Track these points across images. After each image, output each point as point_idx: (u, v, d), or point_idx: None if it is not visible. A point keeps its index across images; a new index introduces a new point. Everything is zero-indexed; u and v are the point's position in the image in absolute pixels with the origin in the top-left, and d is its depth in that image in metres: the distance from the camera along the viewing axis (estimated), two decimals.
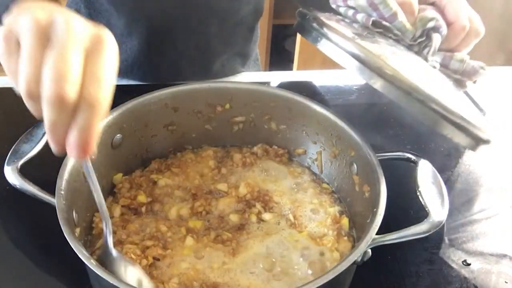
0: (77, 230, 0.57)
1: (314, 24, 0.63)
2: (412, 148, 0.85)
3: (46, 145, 0.63)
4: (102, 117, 0.40)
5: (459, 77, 0.69)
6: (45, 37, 0.40)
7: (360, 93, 0.98)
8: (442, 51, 0.68)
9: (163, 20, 0.92)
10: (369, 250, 0.54)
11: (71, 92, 0.38)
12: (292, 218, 0.65)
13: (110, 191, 0.69)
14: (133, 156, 0.72)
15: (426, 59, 0.67)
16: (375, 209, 0.55)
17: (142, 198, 0.67)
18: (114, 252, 0.53)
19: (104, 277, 0.47)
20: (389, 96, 0.58)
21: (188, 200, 0.68)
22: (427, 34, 0.66)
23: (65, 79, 0.38)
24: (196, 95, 0.74)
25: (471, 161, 0.85)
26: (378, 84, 0.58)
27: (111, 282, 0.46)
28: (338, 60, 0.61)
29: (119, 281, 0.47)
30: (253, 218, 0.65)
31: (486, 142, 0.60)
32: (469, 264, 0.66)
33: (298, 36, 2.07)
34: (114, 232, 0.61)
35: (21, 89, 0.39)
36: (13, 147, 0.65)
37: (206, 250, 0.60)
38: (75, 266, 0.52)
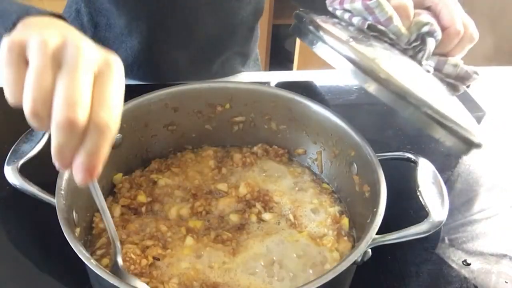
0: (77, 230, 0.57)
1: (311, 27, 0.64)
2: (412, 148, 0.85)
3: (46, 145, 0.63)
4: (111, 141, 0.40)
5: (453, 81, 0.70)
6: (54, 60, 0.40)
7: (360, 93, 0.98)
8: (436, 55, 0.68)
9: (163, 20, 0.92)
10: (369, 250, 0.54)
11: (82, 116, 0.39)
12: (292, 218, 0.65)
13: (110, 191, 0.69)
14: (133, 156, 0.73)
15: (420, 63, 0.67)
16: (375, 209, 0.55)
17: (142, 198, 0.67)
18: (123, 271, 0.53)
19: (104, 277, 0.47)
20: (382, 99, 0.58)
21: (188, 200, 0.68)
22: (421, 38, 0.67)
23: (76, 104, 0.38)
24: (196, 95, 0.74)
25: (471, 161, 0.85)
26: (372, 87, 0.58)
27: (111, 282, 0.46)
28: (333, 63, 0.61)
29: (119, 281, 0.47)
30: (253, 218, 0.65)
31: (477, 146, 0.60)
32: (469, 264, 0.66)
33: None
34: None
35: (26, 108, 0.39)
36: (13, 147, 0.65)
37: (206, 250, 0.60)
38: (75, 266, 0.52)
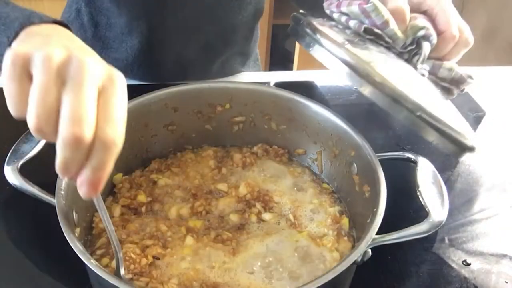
0: (77, 230, 0.57)
1: (308, 30, 0.65)
2: (412, 148, 0.85)
3: (46, 145, 0.63)
4: (116, 156, 0.41)
5: (447, 85, 0.71)
6: (59, 75, 0.40)
7: (360, 93, 0.98)
8: (431, 59, 0.69)
9: (164, 19, 0.92)
10: (369, 250, 0.54)
11: (88, 133, 0.39)
12: (292, 218, 0.65)
13: (110, 191, 0.69)
14: (133, 156, 0.73)
15: (415, 67, 0.68)
16: (375, 209, 0.55)
17: (142, 197, 0.67)
18: (126, 282, 0.53)
19: (104, 277, 0.47)
20: (377, 102, 0.59)
21: (188, 200, 0.68)
22: (417, 42, 0.68)
23: (82, 121, 0.39)
24: (196, 95, 0.74)
25: (471, 161, 0.85)
26: (367, 90, 0.59)
27: (111, 282, 0.46)
28: (329, 66, 0.62)
29: (119, 281, 0.47)
30: (253, 218, 0.65)
31: (471, 149, 0.61)
32: (469, 264, 0.66)
33: None
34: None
35: (30, 124, 0.40)
36: (13, 147, 0.65)
37: (206, 249, 0.60)
38: (75, 266, 0.52)
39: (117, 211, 0.65)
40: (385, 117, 0.91)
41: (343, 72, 0.60)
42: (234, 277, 0.57)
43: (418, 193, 0.62)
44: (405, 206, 0.70)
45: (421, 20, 0.67)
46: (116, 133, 0.40)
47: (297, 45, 2.14)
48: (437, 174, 0.65)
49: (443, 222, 0.58)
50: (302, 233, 0.64)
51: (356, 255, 0.50)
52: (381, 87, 0.58)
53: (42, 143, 0.65)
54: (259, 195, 0.68)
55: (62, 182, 0.56)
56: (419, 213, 0.60)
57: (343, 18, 0.69)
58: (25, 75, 0.41)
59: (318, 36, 0.63)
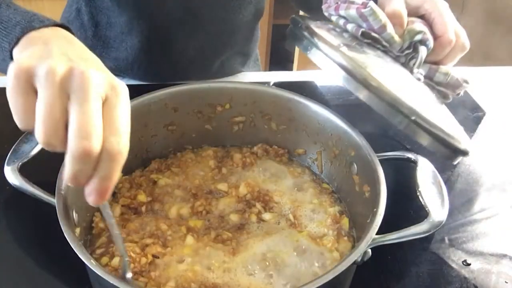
0: (77, 230, 0.57)
1: (305, 33, 0.65)
2: (412, 148, 0.85)
3: None
4: (122, 165, 0.42)
5: (443, 89, 0.72)
6: (62, 89, 0.41)
7: None
8: (428, 63, 0.70)
9: (164, 19, 0.92)
10: (369, 250, 0.54)
11: (96, 146, 0.40)
12: (292, 218, 0.66)
13: None
14: (133, 156, 0.72)
15: (411, 71, 0.69)
16: (375, 209, 0.55)
17: (142, 197, 0.67)
18: (132, 284, 0.54)
19: (104, 277, 0.47)
20: (373, 107, 0.60)
21: (188, 199, 0.68)
22: (414, 46, 0.69)
23: (90, 135, 0.40)
24: (196, 95, 0.74)
25: (471, 161, 0.85)
26: (363, 95, 0.60)
27: (111, 282, 0.46)
28: (326, 70, 0.63)
29: (119, 281, 0.47)
30: (253, 218, 0.65)
31: (464, 153, 0.62)
32: (469, 264, 0.66)
33: None
34: None
35: (39, 139, 0.41)
36: (13, 147, 0.65)
37: (206, 249, 0.60)
38: (75, 266, 0.52)
39: (117, 210, 0.65)
40: (385, 117, 0.91)
41: (339, 76, 0.61)
42: (234, 277, 0.57)
43: (418, 193, 0.62)
44: (405, 206, 0.70)
45: (418, 25, 0.68)
46: (122, 143, 0.42)
47: None
48: (437, 174, 0.65)
49: (443, 222, 0.58)
50: (302, 233, 0.64)
51: (356, 255, 0.50)
52: (376, 91, 0.59)
53: None
54: (259, 195, 0.68)
55: (62, 182, 0.56)
56: (419, 213, 0.60)
57: (341, 21, 0.70)
58: (29, 88, 0.42)
59: (315, 39, 0.64)
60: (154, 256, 0.58)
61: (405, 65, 0.70)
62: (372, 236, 0.52)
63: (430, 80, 0.71)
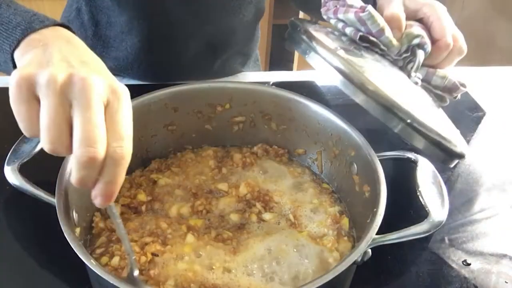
0: (77, 230, 0.57)
1: (304, 37, 0.66)
2: (412, 148, 0.85)
3: None
4: (126, 167, 0.43)
5: (440, 93, 0.72)
6: (64, 96, 0.42)
7: None
8: (425, 67, 0.70)
9: (164, 18, 0.92)
10: (369, 250, 0.54)
11: (101, 152, 0.41)
12: (292, 218, 0.65)
13: None
14: (133, 156, 0.71)
15: (409, 74, 0.70)
16: (375, 209, 0.55)
17: (142, 196, 0.67)
18: (139, 282, 0.54)
19: (104, 276, 0.47)
20: (369, 110, 0.61)
21: (188, 199, 0.68)
22: (412, 50, 0.70)
23: (95, 142, 0.41)
24: (196, 95, 0.74)
25: (471, 161, 0.85)
26: (360, 99, 0.61)
27: (111, 282, 0.46)
28: (324, 74, 0.63)
29: (119, 281, 0.47)
30: (254, 218, 0.65)
31: (460, 156, 0.63)
32: (469, 264, 0.66)
33: None
34: (113, 231, 0.61)
35: (45, 148, 0.42)
36: (13, 147, 0.66)
37: (207, 248, 0.60)
38: (75, 266, 0.52)
39: (116, 210, 0.65)
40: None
41: (337, 80, 0.62)
42: (234, 278, 0.57)
43: (418, 193, 0.62)
44: (405, 206, 0.70)
45: (416, 28, 0.69)
46: (125, 148, 0.43)
47: None
48: (437, 174, 0.65)
49: (443, 222, 0.58)
50: (302, 233, 0.64)
51: (356, 255, 0.50)
52: (373, 95, 0.60)
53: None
54: (259, 195, 0.68)
55: (62, 182, 0.56)
56: (419, 213, 0.60)
57: (340, 25, 0.71)
58: (31, 97, 0.43)
59: (314, 43, 0.65)
60: (154, 254, 0.58)
61: (402, 68, 0.71)
62: (372, 236, 0.52)
63: (427, 84, 0.72)
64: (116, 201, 0.67)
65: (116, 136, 0.43)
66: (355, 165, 0.67)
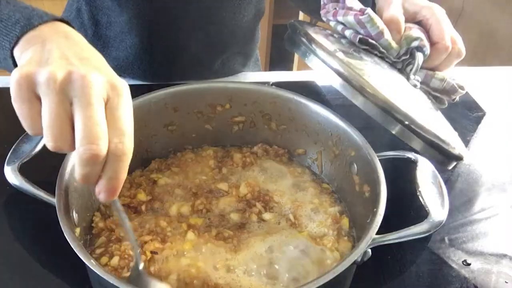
0: (77, 230, 0.57)
1: (303, 39, 0.67)
2: (412, 148, 0.85)
3: None
4: (128, 163, 0.44)
5: (439, 95, 0.72)
6: (65, 94, 0.43)
7: None
8: (424, 69, 0.70)
9: (165, 18, 0.92)
10: (369, 250, 0.54)
11: (103, 148, 0.42)
12: (292, 218, 0.66)
13: None
14: (133, 156, 0.72)
15: (408, 77, 0.70)
16: (375, 209, 0.55)
17: (141, 196, 0.67)
18: (144, 274, 0.54)
19: (104, 276, 0.47)
20: (368, 113, 0.61)
21: (188, 198, 0.68)
22: (411, 53, 0.70)
23: (97, 139, 0.42)
24: (196, 95, 0.74)
25: (471, 161, 0.85)
26: (359, 101, 0.61)
27: (111, 281, 0.46)
28: (323, 76, 0.64)
29: (119, 281, 0.47)
30: (254, 218, 0.65)
31: (458, 158, 0.63)
32: (469, 264, 0.66)
33: None
34: (113, 230, 0.61)
35: (48, 146, 0.43)
36: (13, 147, 0.66)
37: (208, 246, 0.60)
38: (75, 266, 0.52)
39: (120, 204, 0.65)
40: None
41: (336, 83, 0.62)
42: (236, 278, 0.57)
43: (418, 193, 0.62)
44: (405, 206, 0.70)
45: (415, 31, 0.69)
46: (126, 144, 0.43)
47: None
48: (437, 174, 0.65)
49: (443, 222, 0.58)
50: (302, 233, 0.64)
51: (356, 255, 0.50)
52: (372, 98, 0.60)
53: (42, 143, 0.65)
54: (260, 195, 0.68)
55: (62, 182, 0.56)
56: (419, 213, 0.60)
57: (339, 27, 0.71)
58: (32, 96, 0.43)
59: (313, 46, 0.65)
60: (153, 252, 0.58)
61: (401, 71, 0.71)
62: (372, 236, 0.52)
63: (426, 86, 0.72)
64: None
65: (117, 132, 0.43)
66: (355, 165, 0.67)
